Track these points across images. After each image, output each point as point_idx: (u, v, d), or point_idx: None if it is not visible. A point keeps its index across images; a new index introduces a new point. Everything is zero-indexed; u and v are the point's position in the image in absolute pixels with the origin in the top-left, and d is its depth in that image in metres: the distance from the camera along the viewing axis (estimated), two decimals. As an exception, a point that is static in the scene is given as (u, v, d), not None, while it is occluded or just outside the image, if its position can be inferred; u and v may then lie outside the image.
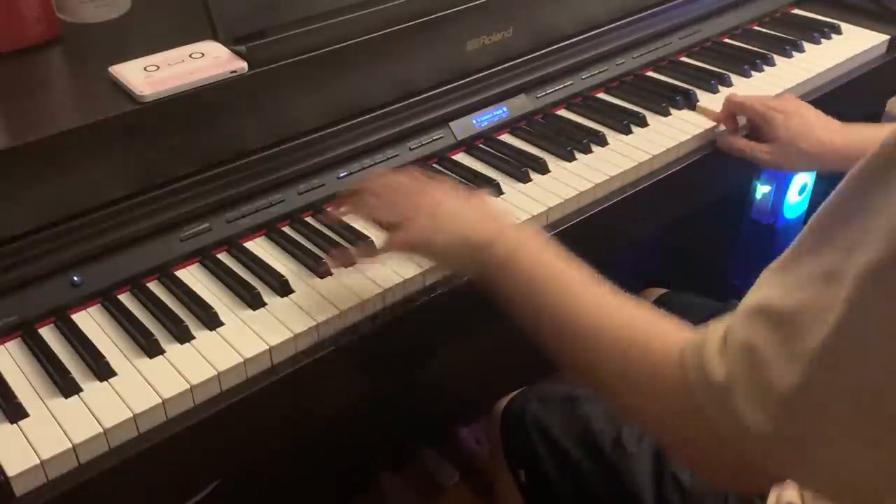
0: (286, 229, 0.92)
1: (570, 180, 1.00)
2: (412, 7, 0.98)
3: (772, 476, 0.63)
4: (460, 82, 1.06)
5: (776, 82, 1.21)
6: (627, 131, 1.09)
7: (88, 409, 0.70)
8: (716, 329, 0.56)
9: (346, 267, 0.85)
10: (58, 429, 0.68)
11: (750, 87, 1.20)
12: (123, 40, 1.00)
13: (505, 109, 1.10)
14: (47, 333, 0.78)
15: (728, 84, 1.21)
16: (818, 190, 1.79)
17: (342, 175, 0.96)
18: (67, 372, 0.73)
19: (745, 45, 1.31)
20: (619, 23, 1.21)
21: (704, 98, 1.17)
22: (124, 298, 0.82)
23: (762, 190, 1.89)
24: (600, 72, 1.19)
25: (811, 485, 0.61)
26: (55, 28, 0.96)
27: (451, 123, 1.05)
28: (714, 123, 1.11)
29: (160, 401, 0.71)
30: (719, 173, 1.16)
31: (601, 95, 1.19)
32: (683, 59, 1.29)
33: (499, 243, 0.74)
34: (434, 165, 1.03)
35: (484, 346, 1.43)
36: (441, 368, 1.45)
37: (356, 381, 0.85)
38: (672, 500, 0.86)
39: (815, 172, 1.79)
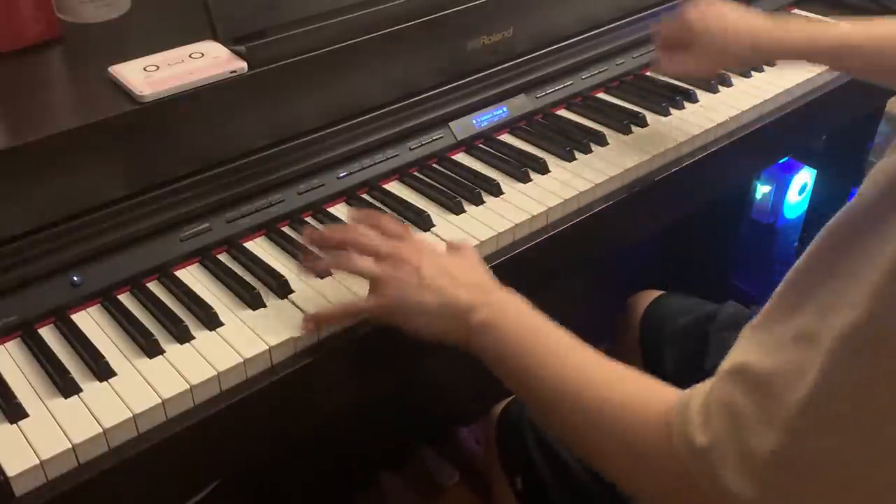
0: (286, 229, 0.92)
1: (570, 180, 1.00)
2: (412, 7, 0.97)
3: None
4: (460, 82, 1.06)
5: (777, 82, 1.21)
6: (627, 131, 1.09)
7: (88, 409, 0.70)
8: (698, 390, 0.56)
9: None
10: (57, 429, 0.68)
11: (750, 87, 1.20)
12: (123, 40, 1.00)
13: (505, 109, 1.10)
14: (47, 333, 0.78)
15: (728, 84, 1.21)
16: (818, 190, 1.79)
17: (342, 175, 0.96)
18: (67, 372, 0.73)
19: (746, 45, 1.31)
20: (619, 23, 1.21)
21: (704, 98, 1.17)
22: (124, 298, 0.82)
23: (762, 190, 1.89)
24: (600, 72, 1.19)
25: None
26: (55, 28, 0.96)
27: (451, 123, 1.05)
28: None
29: (160, 401, 0.71)
30: (719, 173, 1.16)
31: (601, 95, 1.19)
32: (683, 58, 1.28)
33: (481, 308, 0.73)
34: (434, 165, 1.03)
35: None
36: (441, 368, 1.45)
37: (356, 382, 0.85)
38: None
39: (814, 172, 1.79)
